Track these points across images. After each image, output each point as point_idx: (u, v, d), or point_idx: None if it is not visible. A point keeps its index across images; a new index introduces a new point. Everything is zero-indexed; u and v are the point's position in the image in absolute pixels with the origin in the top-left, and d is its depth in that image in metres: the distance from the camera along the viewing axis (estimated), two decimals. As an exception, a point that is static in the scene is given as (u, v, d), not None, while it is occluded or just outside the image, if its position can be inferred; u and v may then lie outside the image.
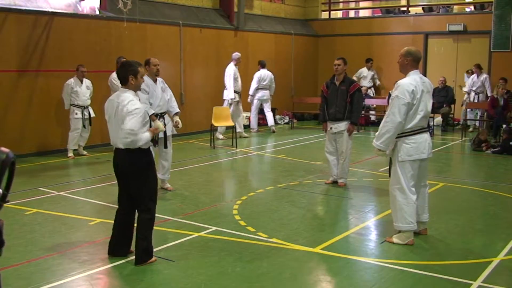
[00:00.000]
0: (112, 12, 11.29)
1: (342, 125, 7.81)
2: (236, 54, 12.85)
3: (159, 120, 7.20)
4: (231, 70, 12.61)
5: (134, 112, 4.60)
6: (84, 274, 4.65)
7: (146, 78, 7.19)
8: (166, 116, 7.51)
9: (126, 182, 4.91)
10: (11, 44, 9.91)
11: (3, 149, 2.07)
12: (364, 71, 16.07)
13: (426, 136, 5.39)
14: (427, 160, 5.49)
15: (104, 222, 6.15)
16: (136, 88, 4.85)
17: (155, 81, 7.34)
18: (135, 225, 4.92)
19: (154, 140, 7.21)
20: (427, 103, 5.35)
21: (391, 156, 5.48)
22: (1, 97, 9.70)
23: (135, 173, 4.79)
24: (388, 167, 5.73)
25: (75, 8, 10.52)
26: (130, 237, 5.02)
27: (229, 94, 12.64)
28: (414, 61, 5.45)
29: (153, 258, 4.88)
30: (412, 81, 5.32)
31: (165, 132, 7.24)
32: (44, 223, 6.15)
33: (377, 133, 5.44)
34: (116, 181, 5.08)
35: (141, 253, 4.80)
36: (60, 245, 5.40)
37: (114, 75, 10.68)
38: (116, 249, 5.00)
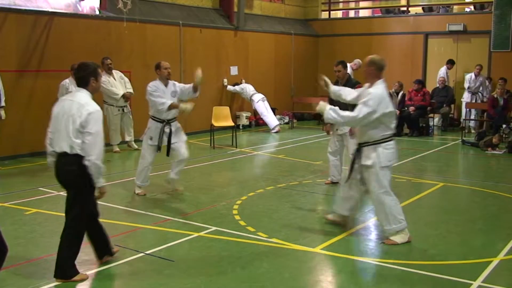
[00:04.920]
0: (112, 12, 11.29)
1: (347, 127, 7.76)
2: None
3: (165, 127, 7.13)
4: None
5: (96, 115, 4.36)
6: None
7: (157, 83, 7.15)
8: (176, 123, 7.31)
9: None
10: (11, 44, 9.91)
11: None
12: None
13: (394, 143, 5.55)
14: None
15: (104, 222, 6.13)
16: (95, 91, 4.58)
17: (166, 85, 7.18)
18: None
19: (158, 146, 7.20)
20: (393, 116, 5.45)
21: (358, 163, 5.51)
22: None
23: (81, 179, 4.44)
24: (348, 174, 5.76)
25: (75, 8, 10.52)
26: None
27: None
28: (378, 70, 5.41)
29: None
30: (381, 90, 5.34)
31: (169, 140, 7.16)
32: (44, 223, 6.15)
33: (341, 113, 5.36)
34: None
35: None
36: (60, 245, 5.39)
37: (102, 78, 10.59)
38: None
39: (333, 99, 7.77)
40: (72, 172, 4.40)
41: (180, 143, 7.25)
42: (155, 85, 7.11)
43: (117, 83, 10.72)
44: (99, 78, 4.57)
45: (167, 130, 7.15)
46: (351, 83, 7.76)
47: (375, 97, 5.22)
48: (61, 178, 4.55)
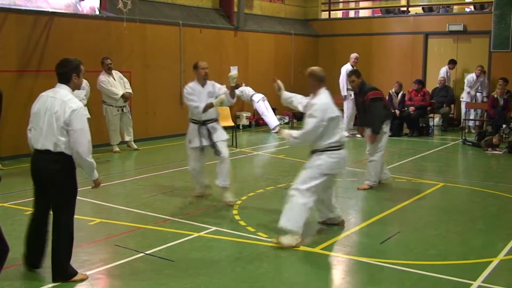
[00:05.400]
0: (112, 12, 11.29)
1: (366, 133, 7.87)
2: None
3: (201, 128, 6.91)
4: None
5: (80, 112, 4.33)
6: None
7: (193, 85, 6.99)
8: (213, 124, 7.00)
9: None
10: (11, 44, 9.90)
11: None
12: None
13: (344, 152, 5.61)
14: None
15: (104, 222, 6.15)
16: (76, 88, 4.52)
17: (203, 85, 6.98)
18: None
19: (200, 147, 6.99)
20: (339, 121, 5.53)
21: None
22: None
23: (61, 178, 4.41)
24: None
25: (75, 8, 10.52)
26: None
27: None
28: (318, 81, 5.55)
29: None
30: (324, 99, 5.46)
31: (211, 139, 6.92)
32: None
33: (297, 135, 5.51)
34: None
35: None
36: (60, 245, 5.39)
37: (101, 77, 10.61)
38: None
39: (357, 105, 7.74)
40: (55, 170, 4.33)
41: (219, 142, 6.96)
42: (191, 87, 6.95)
43: (116, 83, 10.72)
44: (81, 74, 4.48)
45: (203, 131, 6.92)
46: (364, 91, 7.72)
47: (320, 106, 5.38)
48: (42, 177, 4.41)
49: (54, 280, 4.46)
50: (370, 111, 7.64)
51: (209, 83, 7.04)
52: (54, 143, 4.30)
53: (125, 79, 10.94)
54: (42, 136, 4.34)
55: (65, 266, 4.46)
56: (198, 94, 6.89)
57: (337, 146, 5.48)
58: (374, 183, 7.79)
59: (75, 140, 4.27)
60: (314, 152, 5.52)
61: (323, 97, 5.47)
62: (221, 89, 6.97)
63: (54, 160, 4.32)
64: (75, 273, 4.50)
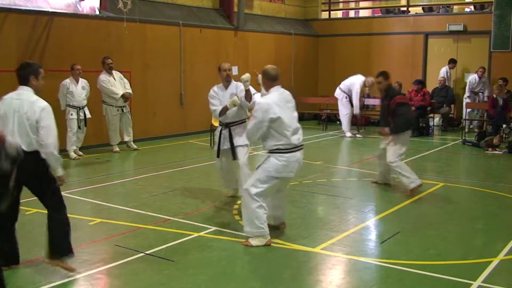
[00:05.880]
0: (112, 12, 11.29)
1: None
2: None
3: (223, 130, 6.86)
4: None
5: (48, 109, 4.56)
6: (84, 274, 4.66)
7: (215, 88, 6.94)
8: (237, 127, 6.86)
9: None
10: (11, 44, 9.91)
11: (12, 141, 2.06)
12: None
13: (298, 155, 5.37)
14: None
15: (104, 222, 6.15)
16: (37, 89, 4.71)
17: (226, 87, 6.91)
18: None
19: (218, 152, 6.93)
20: (291, 119, 5.33)
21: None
22: (1, 97, 9.68)
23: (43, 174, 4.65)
24: None
25: (75, 8, 10.52)
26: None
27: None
28: (269, 79, 5.45)
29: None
30: (269, 99, 5.32)
31: (231, 143, 6.80)
32: (44, 223, 6.11)
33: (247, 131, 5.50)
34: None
35: None
36: (60, 245, 5.39)
37: (101, 77, 10.61)
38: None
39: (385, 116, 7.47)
40: (32, 169, 4.54)
41: (238, 147, 6.83)
42: (214, 90, 6.92)
43: (117, 83, 10.72)
44: (39, 77, 4.70)
45: (225, 133, 6.86)
46: (390, 94, 7.51)
47: (260, 107, 5.24)
48: (20, 177, 4.31)
49: (49, 256, 4.66)
50: (398, 114, 7.35)
51: (233, 84, 6.95)
52: (28, 143, 4.52)
53: (126, 80, 10.94)
54: (14, 138, 4.43)
55: (65, 243, 4.69)
56: (221, 97, 6.86)
57: (285, 149, 5.28)
58: (415, 181, 7.39)
59: (42, 135, 4.51)
60: (267, 153, 5.46)
61: (270, 97, 5.36)
62: (242, 91, 6.67)
63: (29, 160, 4.48)
64: (71, 253, 4.70)
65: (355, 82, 13.13)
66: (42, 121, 4.50)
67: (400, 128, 7.47)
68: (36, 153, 4.54)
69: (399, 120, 7.41)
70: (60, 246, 4.65)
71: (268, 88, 5.49)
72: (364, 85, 13.19)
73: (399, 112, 7.38)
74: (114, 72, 10.73)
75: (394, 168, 7.52)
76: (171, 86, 12.93)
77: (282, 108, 5.29)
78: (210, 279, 4.56)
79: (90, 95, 10.47)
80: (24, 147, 4.47)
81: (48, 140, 4.50)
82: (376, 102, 15.47)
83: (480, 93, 14.32)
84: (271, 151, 5.34)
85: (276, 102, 5.28)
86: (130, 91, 10.89)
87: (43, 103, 4.58)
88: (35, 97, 4.63)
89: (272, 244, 5.39)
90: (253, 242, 5.34)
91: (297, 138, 5.35)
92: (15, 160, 2.11)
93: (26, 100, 4.58)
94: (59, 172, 4.71)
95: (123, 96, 10.72)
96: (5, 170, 2.02)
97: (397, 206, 6.89)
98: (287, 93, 5.51)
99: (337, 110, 13.83)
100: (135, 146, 11.16)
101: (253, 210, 5.31)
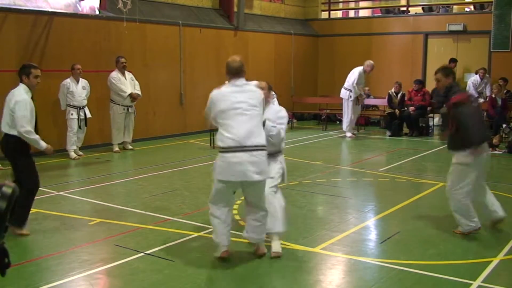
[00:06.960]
0: (112, 12, 11.29)
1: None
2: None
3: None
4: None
5: (21, 102, 5.58)
6: (84, 274, 4.66)
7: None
8: (263, 161, 4.87)
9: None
10: (11, 44, 9.91)
11: (8, 183, 2.16)
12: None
13: (244, 157, 4.63)
14: (255, 183, 4.82)
15: (104, 222, 6.15)
16: (30, 85, 5.76)
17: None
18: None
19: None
20: (224, 119, 4.75)
21: None
22: (1, 97, 9.67)
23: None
24: None
25: (75, 8, 10.52)
26: None
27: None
28: (228, 73, 5.00)
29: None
30: (214, 92, 4.92)
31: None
32: (44, 223, 6.15)
33: None
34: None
35: None
36: (60, 245, 5.40)
37: (113, 74, 10.71)
38: None
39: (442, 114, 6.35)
40: (8, 147, 5.73)
41: None
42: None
43: (127, 83, 10.77)
44: (30, 76, 5.74)
45: None
46: (447, 93, 6.05)
47: (211, 96, 4.89)
48: (4, 153, 5.87)
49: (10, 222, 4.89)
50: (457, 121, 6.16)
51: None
52: (9, 126, 5.66)
53: (136, 82, 11.00)
54: (3, 122, 5.74)
55: (24, 214, 5.64)
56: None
57: (225, 149, 4.69)
58: (469, 228, 5.79)
59: (16, 123, 5.59)
60: None
61: (215, 91, 4.95)
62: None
63: (7, 140, 5.71)
64: (25, 225, 5.60)
65: (353, 71, 13.22)
66: (15, 111, 5.58)
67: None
68: (14, 136, 5.62)
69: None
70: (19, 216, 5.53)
71: (229, 80, 5.03)
72: (364, 71, 13.17)
73: (456, 116, 6.11)
74: (126, 72, 10.79)
75: (452, 197, 6.16)
76: (171, 86, 12.93)
77: (228, 99, 4.81)
78: (210, 279, 4.56)
79: (92, 94, 10.47)
80: (6, 130, 5.68)
81: (21, 129, 5.56)
82: (376, 102, 15.50)
83: (482, 94, 14.29)
84: (219, 150, 4.82)
85: (222, 95, 4.86)
86: (139, 92, 10.92)
87: (19, 97, 5.63)
88: (19, 92, 5.68)
89: (270, 244, 5.38)
90: (214, 253, 5.05)
91: (236, 140, 4.66)
92: (10, 201, 2.16)
93: (13, 94, 5.73)
94: (41, 147, 5.81)
95: (130, 95, 10.74)
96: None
97: (397, 206, 6.89)
98: (253, 91, 5.04)
99: (337, 110, 13.82)
100: (130, 147, 11.16)
101: (210, 218, 5.05)
